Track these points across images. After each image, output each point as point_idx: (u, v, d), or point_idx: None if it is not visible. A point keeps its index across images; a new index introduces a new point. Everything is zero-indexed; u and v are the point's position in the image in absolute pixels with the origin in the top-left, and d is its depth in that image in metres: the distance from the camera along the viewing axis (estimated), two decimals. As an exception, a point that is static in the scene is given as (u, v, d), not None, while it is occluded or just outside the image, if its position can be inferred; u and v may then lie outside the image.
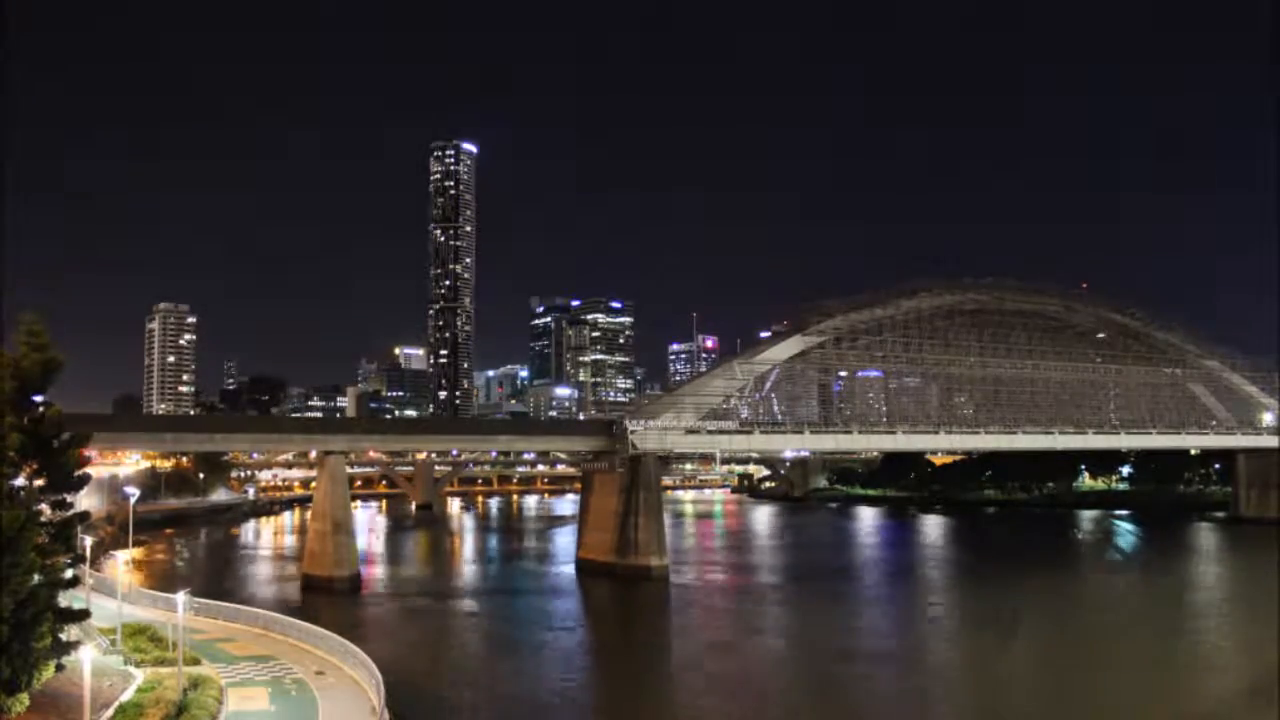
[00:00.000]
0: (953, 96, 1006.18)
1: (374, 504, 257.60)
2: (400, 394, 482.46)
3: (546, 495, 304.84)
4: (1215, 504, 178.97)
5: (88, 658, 32.25)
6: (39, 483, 40.12)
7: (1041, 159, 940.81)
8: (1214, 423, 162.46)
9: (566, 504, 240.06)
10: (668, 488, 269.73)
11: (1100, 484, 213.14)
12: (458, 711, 53.90)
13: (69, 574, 41.73)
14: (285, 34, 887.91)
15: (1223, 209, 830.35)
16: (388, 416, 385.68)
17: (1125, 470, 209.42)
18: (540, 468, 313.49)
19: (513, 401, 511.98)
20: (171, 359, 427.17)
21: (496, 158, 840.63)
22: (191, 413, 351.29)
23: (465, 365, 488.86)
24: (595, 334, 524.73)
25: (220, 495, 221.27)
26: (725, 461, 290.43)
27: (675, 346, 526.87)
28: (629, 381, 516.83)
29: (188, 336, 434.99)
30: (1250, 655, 63.68)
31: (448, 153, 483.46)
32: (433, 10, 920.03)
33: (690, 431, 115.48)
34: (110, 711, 38.45)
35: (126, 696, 40.72)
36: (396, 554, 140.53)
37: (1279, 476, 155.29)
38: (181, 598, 44.90)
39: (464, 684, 60.05)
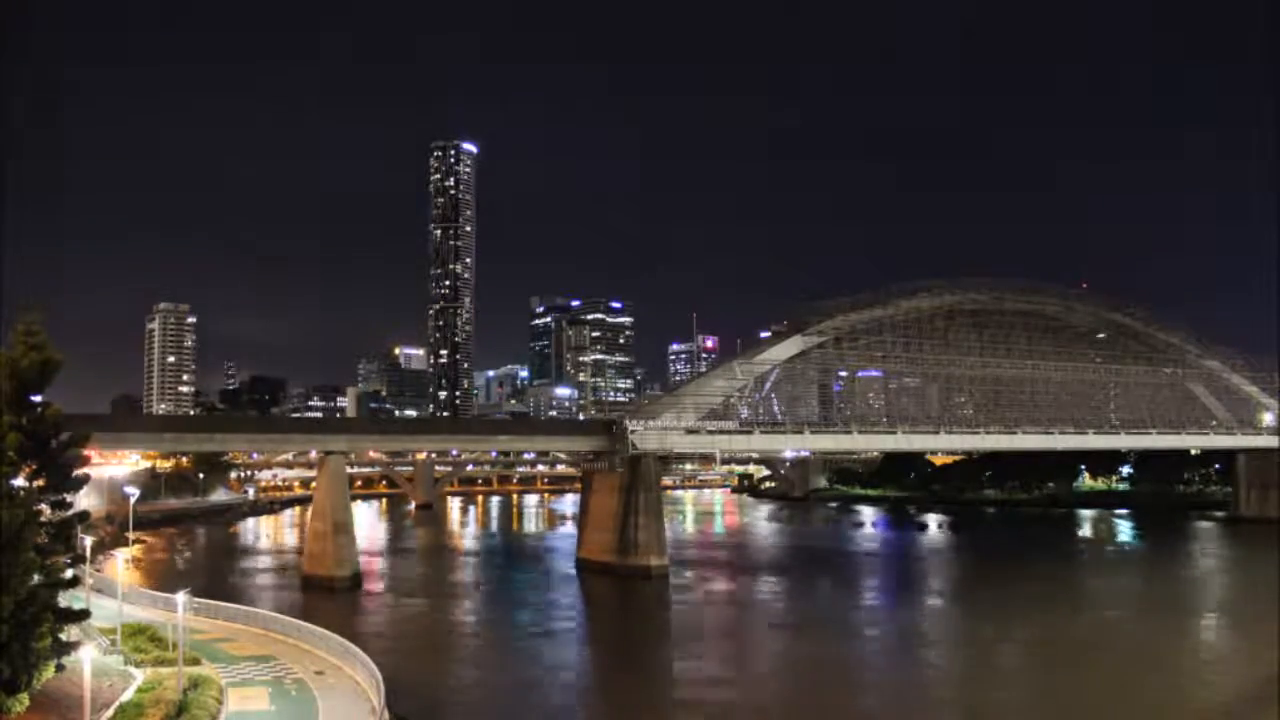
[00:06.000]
0: (951, 97, 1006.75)
1: (374, 504, 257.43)
2: (400, 394, 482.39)
3: (546, 495, 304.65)
4: (1215, 504, 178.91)
5: (88, 658, 32.25)
6: (38, 483, 40.08)
7: (1043, 158, 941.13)
8: (1214, 423, 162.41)
9: (566, 504, 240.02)
10: (668, 488, 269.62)
11: (1100, 484, 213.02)
12: (458, 712, 53.90)
13: (69, 574, 41.74)
14: (286, 34, 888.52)
15: (1223, 209, 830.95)
16: (387, 417, 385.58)
17: (1125, 470, 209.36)
18: (540, 468, 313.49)
19: (513, 401, 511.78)
20: (171, 359, 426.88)
21: (496, 158, 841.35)
22: (191, 413, 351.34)
23: (465, 365, 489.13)
24: (595, 334, 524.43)
25: (220, 495, 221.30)
26: (725, 461, 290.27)
27: (675, 346, 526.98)
28: (629, 381, 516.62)
29: (189, 337, 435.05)
30: (1250, 655, 63.65)
31: (448, 153, 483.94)
32: (434, 10, 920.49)
33: (690, 431, 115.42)
34: (110, 711, 38.42)
35: (126, 696, 40.70)
36: (397, 554, 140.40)
37: (1279, 476, 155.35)
38: (181, 598, 44.86)
39: (464, 684, 60.09)
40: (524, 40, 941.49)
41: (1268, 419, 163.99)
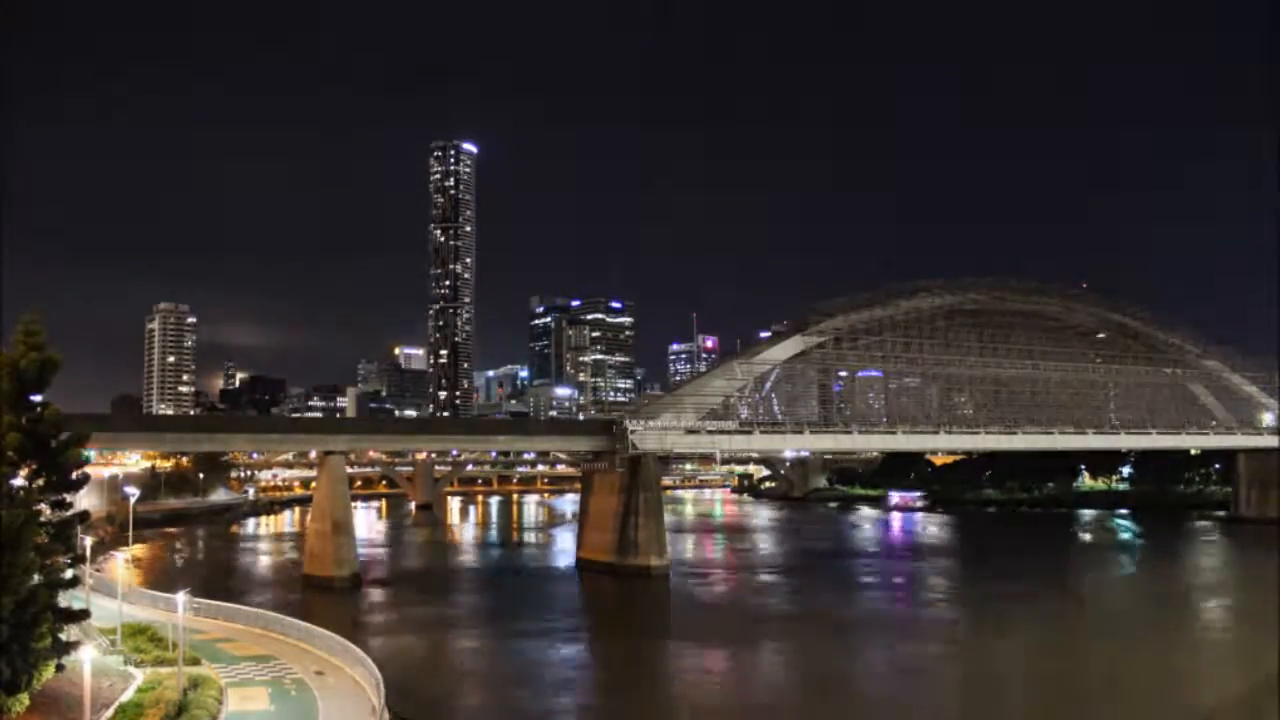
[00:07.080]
0: (951, 97, 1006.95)
1: (374, 504, 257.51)
2: (400, 394, 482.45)
3: (546, 495, 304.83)
4: (1215, 504, 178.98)
5: (88, 658, 32.24)
6: (38, 483, 40.06)
7: (1042, 159, 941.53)
8: (1214, 423, 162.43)
9: (566, 504, 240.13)
10: (668, 488, 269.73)
11: (1100, 484, 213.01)
12: (458, 711, 53.90)
13: (69, 574, 41.67)
14: (285, 33, 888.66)
15: (1223, 208, 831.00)
16: (387, 417, 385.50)
17: (1125, 470, 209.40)
18: (540, 468, 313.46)
19: (513, 401, 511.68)
20: (171, 359, 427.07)
21: (496, 158, 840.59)
22: (191, 413, 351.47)
23: (465, 365, 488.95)
24: (595, 334, 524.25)
25: (220, 495, 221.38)
26: (725, 461, 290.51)
27: (675, 346, 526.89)
28: (629, 381, 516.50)
29: (189, 337, 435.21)
30: (1250, 655, 63.64)
31: (448, 153, 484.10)
32: (433, 9, 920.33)
33: (690, 431, 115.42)
34: (110, 711, 38.44)
35: (126, 697, 40.73)
36: (397, 554, 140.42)
37: (1279, 476, 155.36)
38: (181, 598, 44.90)
39: (464, 684, 60.12)
40: (524, 40, 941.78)
41: (1268, 419, 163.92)
